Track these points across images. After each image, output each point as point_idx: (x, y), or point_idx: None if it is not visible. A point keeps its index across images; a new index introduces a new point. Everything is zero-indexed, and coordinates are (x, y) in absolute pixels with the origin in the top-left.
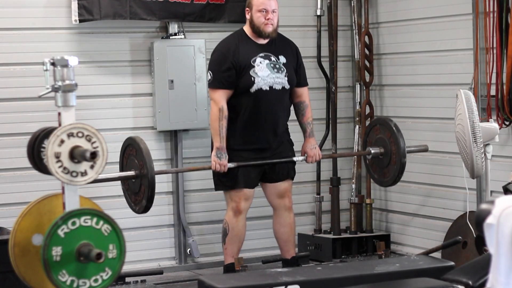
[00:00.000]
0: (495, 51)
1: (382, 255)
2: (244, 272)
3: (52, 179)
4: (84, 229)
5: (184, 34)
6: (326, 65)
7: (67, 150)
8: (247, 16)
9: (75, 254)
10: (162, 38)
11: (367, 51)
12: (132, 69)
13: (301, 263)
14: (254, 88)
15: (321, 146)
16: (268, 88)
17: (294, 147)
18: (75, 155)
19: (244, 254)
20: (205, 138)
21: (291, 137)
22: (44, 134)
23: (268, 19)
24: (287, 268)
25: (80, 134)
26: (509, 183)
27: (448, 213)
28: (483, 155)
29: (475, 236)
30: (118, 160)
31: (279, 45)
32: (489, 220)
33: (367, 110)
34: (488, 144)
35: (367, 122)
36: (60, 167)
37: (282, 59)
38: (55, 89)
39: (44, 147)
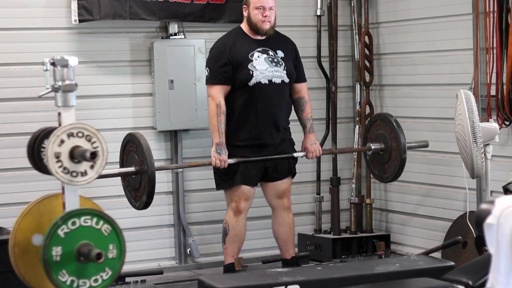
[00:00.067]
0: (495, 51)
1: (382, 255)
2: (244, 272)
3: (52, 179)
4: (84, 229)
5: (184, 34)
6: (326, 65)
7: (67, 150)
8: (245, 14)
9: (75, 254)
10: (162, 38)
11: (367, 51)
12: (132, 69)
13: (301, 263)
14: (252, 82)
15: (321, 146)
16: (267, 82)
17: (294, 147)
18: (75, 155)
19: (244, 254)
20: (205, 138)
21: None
22: (44, 134)
23: (265, 16)
24: (287, 268)
25: (80, 134)
26: (509, 183)
27: (448, 213)
28: (483, 155)
29: (475, 236)
30: (118, 160)
31: (276, 40)
32: (489, 220)
33: (367, 110)
34: (488, 144)
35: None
36: (60, 167)
37: (280, 54)
38: (55, 89)
39: (44, 147)
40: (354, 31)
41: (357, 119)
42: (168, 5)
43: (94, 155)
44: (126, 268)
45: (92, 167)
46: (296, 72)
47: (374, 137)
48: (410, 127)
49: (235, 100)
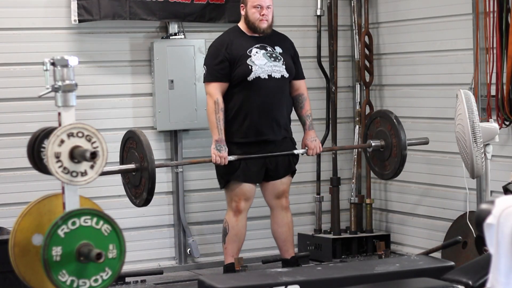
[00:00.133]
0: (495, 51)
1: (382, 255)
2: (244, 272)
3: (52, 179)
4: (84, 229)
5: (184, 34)
6: (326, 65)
7: (67, 150)
8: (242, 12)
9: (75, 254)
10: (162, 38)
11: (367, 51)
12: (132, 69)
13: (301, 263)
14: (252, 77)
15: None
16: (266, 77)
17: (296, 147)
18: (75, 155)
19: (244, 254)
20: (205, 138)
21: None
22: (44, 134)
23: (263, 15)
24: (287, 268)
25: (80, 134)
26: (509, 183)
27: (448, 213)
28: (483, 155)
29: (475, 236)
30: (118, 160)
31: (274, 37)
32: (489, 220)
33: (367, 110)
34: (488, 144)
35: None
36: (60, 167)
37: (278, 49)
38: (55, 89)
39: (44, 147)
40: (354, 31)
41: (357, 119)
42: (168, 5)
43: (94, 155)
44: (126, 268)
45: (92, 167)
46: (295, 69)
47: (374, 134)
48: (410, 127)
49: (235, 96)
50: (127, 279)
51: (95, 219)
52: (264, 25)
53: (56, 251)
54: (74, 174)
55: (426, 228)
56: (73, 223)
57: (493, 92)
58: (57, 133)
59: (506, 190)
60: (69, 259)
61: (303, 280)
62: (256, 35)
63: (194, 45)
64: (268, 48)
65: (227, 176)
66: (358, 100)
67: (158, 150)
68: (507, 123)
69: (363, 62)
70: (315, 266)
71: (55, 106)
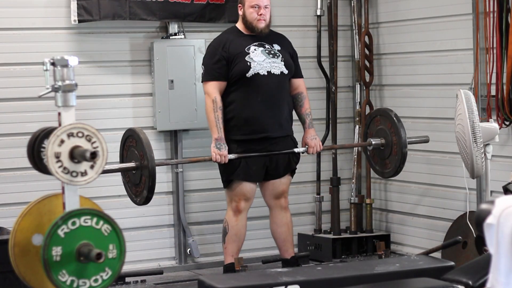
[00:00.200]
0: (495, 51)
1: (382, 255)
2: (244, 272)
3: (52, 179)
4: (84, 229)
5: (184, 34)
6: (326, 65)
7: (67, 150)
8: (240, 12)
9: (75, 254)
10: (162, 38)
11: (367, 51)
12: (132, 69)
13: (301, 263)
14: (250, 73)
15: None
16: (266, 73)
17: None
18: (75, 155)
19: (244, 254)
20: (205, 138)
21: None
22: (44, 134)
23: (260, 14)
24: (287, 268)
25: (80, 134)
26: (509, 183)
27: (448, 213)
28: (483, 155)
29: (475, 236)
30: (118, 160)
31: (271, 36)
32: (489, 220)
33: (367, 110)
34: (488, 144)
35: None
36: (60, 167)
37: (277, 47)
38: (55, 89)
39: (44, 147)
40: (354, 31)
41: (357, 119)
42: (168, 5)
43: (94, 155)
44: (126, 268)
45: (92, 167)
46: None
47: (374, 133)
48: (410, 127)
49: (234, 94)
50: (127, 279)
51: (95, 219)
52: (261, 24)
53: (56, 251)
54: (74, 174)
55: (426, 228)
56: (73, 223)
57: (493, 92)
58: (57, 133)
59: (506, 190)
60: (69, 259)
61: (303, 280)
62: (254, 34)
63: (194, 45)
64: (267, 46)
65: (228, 175)
66: (358, 100)
67: (158, 150)
68: (507, 123)
69: (363, 62)
70: (315, 266)
71: (55, 106)
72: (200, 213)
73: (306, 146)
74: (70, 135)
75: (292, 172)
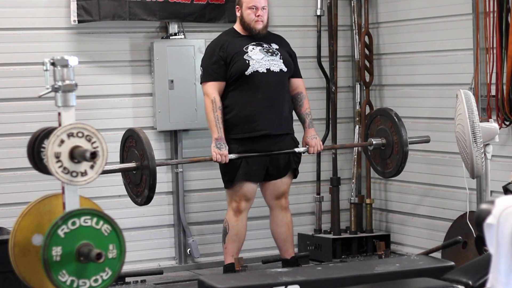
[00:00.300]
0: (495, 51)
1: (382, 255)
2: (244, 272)
3: (52, 179)
4: (84, 229)
5: (184, 34)
6: (326, 65)
7: (67, 150)
8: (237, 14)
9: (75, 254)
10: (162, 38)
11: (367, 51)
12: (132, 69)
13: (301, 263)
14: (249, 71)
15: None
16: (265, 71)
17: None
18: (75, 155)
19: (244, 254)
20: (205, 138)
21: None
22: (44, 134)
23: (258, 16)
24: (287, 268)
25: (80, 134)
26: (509, 183)
27: (448, 213)
28: (483, 155)
29: (475, 236)
30: (118, 160)
31: (269, 37)
32: (489, 220)
33: (367, 110)
34: (488, 144)
35: None
36: (60, 167)
37: (275, 46)
38: (55, 89)
39: (44, 147)
40: (354, 31)
41: (357, 119)
42: (168, 5)
43: (94, 155)
44: (126, 268)
45: (92, 167)
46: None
47: (375, 133)
48: (410, 127)
49: (233, 92)
50: (127, 279)
51: (95, 219)
52: (259, 26)
53: (56, 251)
54: (74, 174)
55: (426, 228)
56: (73, 223)
57: (493, 92)
58: (57, 133)
59: (506, 190)
60: (69, 259)
61: (303, 280)
62: (252, 35)
63: (194, 45)
64: (265, 45)
65: (229, 175)
66: (358, 100)
67: (158, 150)
68: (507, 123)
69: (363, 62)
70: (315, 266)
71: (55, 106)
72: (200, 213)
73: (307, 146)
74: (70, 135)
75: (294, 173)
